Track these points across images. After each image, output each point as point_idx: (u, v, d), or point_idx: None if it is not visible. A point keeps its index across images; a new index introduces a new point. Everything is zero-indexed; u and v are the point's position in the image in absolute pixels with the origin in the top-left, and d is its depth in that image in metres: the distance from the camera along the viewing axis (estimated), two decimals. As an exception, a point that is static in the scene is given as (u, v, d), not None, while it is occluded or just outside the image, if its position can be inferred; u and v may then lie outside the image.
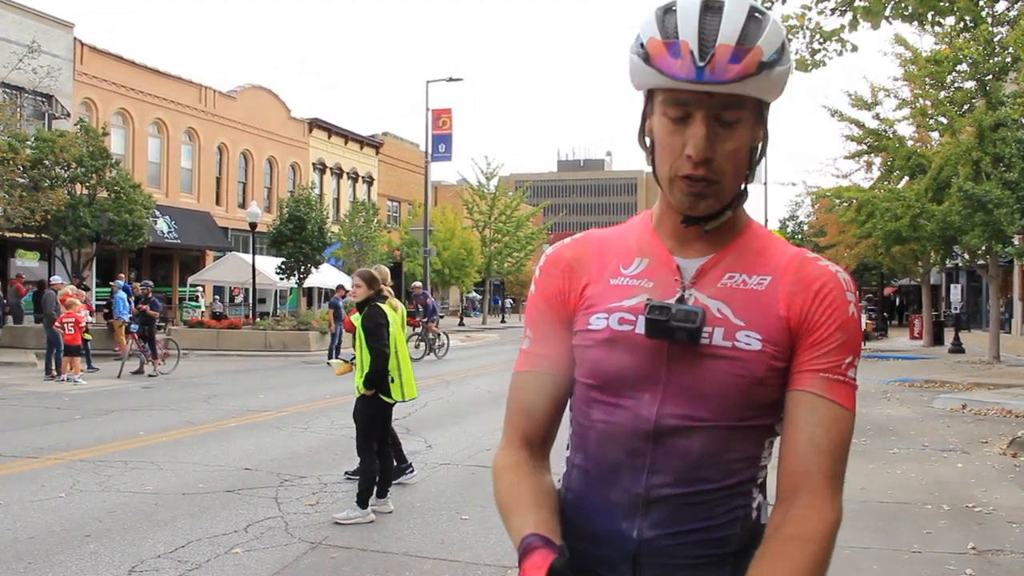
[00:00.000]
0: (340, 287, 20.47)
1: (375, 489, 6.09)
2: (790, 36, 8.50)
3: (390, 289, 6.73)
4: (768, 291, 1.30)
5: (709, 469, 1.29)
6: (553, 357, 1.40)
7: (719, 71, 1.20)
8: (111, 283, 21.99)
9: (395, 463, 6.74)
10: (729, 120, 1.25)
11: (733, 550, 1.30)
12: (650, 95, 1.32)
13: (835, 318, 1.27)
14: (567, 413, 1.44)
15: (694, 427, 1.28)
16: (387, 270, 7.06)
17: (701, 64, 1.20)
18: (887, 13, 7.82)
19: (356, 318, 6.77)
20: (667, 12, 1.26)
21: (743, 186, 1.34)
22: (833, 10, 8.35)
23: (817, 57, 8.52)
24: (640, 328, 1.29)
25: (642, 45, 1.27)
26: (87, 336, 16.34)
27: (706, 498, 1.29)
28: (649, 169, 1.38)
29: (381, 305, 6.33)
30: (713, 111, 1.24)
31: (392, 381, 6.32)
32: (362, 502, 5.93)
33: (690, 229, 1.35)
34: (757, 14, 1.24)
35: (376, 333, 6.16)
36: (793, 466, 1.25)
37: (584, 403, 1.38)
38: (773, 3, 8.55)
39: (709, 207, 1.29)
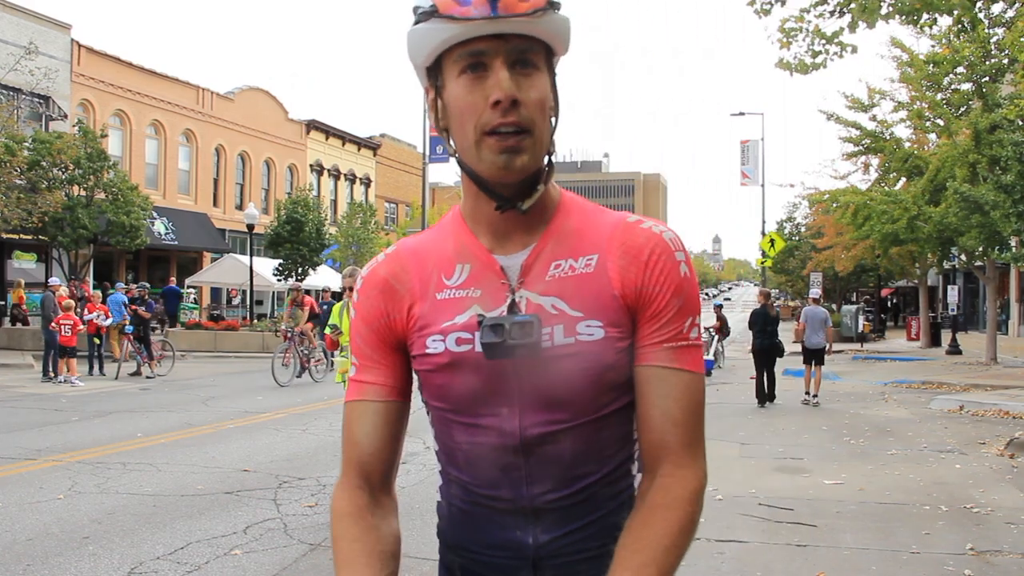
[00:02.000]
0: (327, 290, 20.48)
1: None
2: (789, 39, 8.53)
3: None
4: (598, 272, 1.26)
5: (586, 464, 1.28)
6: (381, 383, 1.34)
7: (512, 5, 1.18)
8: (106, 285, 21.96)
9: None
10: (526, 66, 1.21)
11: None
12: (437, 68, 1.25)
13: (668, 285, 1.24)
14: (430, 429, 1.40)
15: (559, 430, 1.26)
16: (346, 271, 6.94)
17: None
18: (883, 11, 7.85)
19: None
20: None
21: (548, 158, 1.28)
22: (832, 12, 8.37)
23: (817, 59, 8.54)
24: (480, 346, 1.24)
25: (419, 8, 1.22)
26: (96, 340, 16.33)
27: (590, 492, 1.29)
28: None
29: None
30: (510, 58, 1.21)
31: None
32: (361, 504, 5.92)
33: (506, 220, 1.28)
34: None
35: None
36: (652, 440, 1.24)
37: (442, 424, 1.34)
38: (772, 5, 8.57)
39: (525, 164, 1.21)
